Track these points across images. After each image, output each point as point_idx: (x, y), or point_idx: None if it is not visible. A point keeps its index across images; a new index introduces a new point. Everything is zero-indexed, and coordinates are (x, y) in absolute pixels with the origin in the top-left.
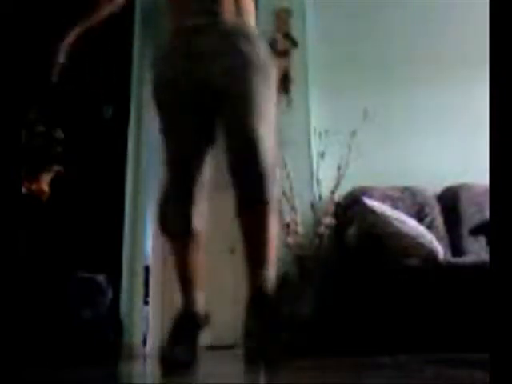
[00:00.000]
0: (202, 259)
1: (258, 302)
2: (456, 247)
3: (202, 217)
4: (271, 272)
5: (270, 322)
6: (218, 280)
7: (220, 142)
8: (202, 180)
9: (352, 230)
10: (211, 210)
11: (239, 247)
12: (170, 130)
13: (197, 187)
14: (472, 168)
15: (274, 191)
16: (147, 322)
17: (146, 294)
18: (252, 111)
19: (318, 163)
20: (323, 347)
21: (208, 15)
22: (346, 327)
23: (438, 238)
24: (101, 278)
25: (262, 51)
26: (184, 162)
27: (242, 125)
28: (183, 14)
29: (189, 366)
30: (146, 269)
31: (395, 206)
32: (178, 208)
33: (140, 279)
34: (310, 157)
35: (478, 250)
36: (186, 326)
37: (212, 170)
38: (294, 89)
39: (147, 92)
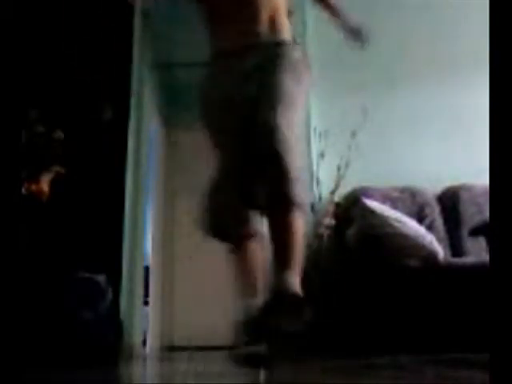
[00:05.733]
0: (264, 260)
1: (281, 300)
2: (456, 248)
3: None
4: (295, 274)
5: (291, 322)
6: (218, 280)
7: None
8: None
9: (352, 231)
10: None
11: None
12: (220, 140)
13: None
14: (472, 168)
15: (302, 192)
16: (147, 322)
17: (146, 294)
18: (280, 109)
19: (317, 163)
20: (324, 348)
21: (247, 37)
22: (347, 328)
23: (438, 239)
24: (100, 278)
25: (295, 56)
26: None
27: (268, 120)
28: (224, 37)
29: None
30: (146, 269)
31: (395, 207)
32: (232, 209)
33: (140, 279)
34: (309, 157)
35: (478, 251)
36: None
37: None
38: None
39: (147, 92)
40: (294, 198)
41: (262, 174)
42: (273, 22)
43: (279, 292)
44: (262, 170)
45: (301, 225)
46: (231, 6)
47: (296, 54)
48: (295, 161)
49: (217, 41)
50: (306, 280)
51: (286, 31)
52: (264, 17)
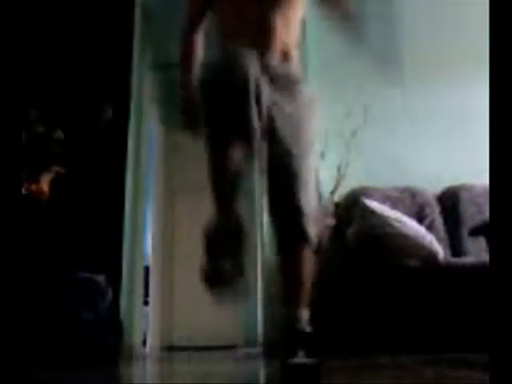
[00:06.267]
0: None
1: (290, 338)
2: (456, 248)
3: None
4: (304, 311)
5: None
6: None
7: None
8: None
9: (352, 231)
10: (211, 211)
11: None
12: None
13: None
14: (472, 168)
15: (314, 232)
16: (147, 322)
17: (146, 294)
18: (298, 157)
19: (318, 163)
20: (324, 348)
21: (258, 49)
22: (347, 328)
23: (438, 239)
24: (100, 278)
25: (306, 95)
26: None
27: (287, 167)
28: (234, 43)
29: (234, 278)
30: (146, 269)
31: (395, 207)
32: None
33: (140, 279)
34: None
35: (477, 251)
36: (225, 237)
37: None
38: None
39: (147, 92)
40: (309, 236)
41: (280, 213)
42: (285, 55)
43: (290, 329)
44: (281, 210)
45: (312, 262)
46: (246, 31)
47: (308, 93)
48: (312, 201)
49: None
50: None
51: (297, 66)
52: (278, 48)
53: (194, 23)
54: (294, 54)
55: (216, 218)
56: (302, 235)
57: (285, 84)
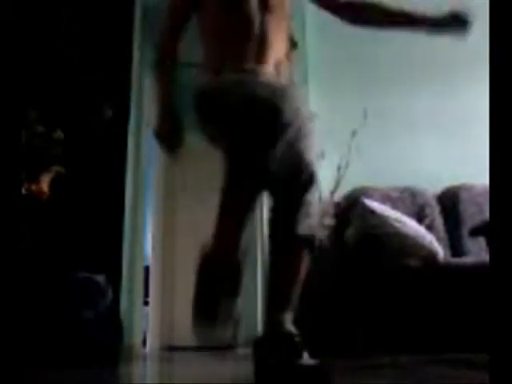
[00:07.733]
0: None
1: (279, 344)
2: (456, 248)
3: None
4: (290, 314)
5: (290, 367)
6: None
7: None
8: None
9: (352, 231)
10: (212, 211)
11: None
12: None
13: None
14: (472, 168)
15: (318, 236)
16: (147, 322)
17: (146, 294)
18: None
19: (318, 163)
20: (323, 348)
21: (252, 63)
22: (346, 328)
23: (438, 239)
24: (100, 278)
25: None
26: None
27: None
28: (226, 58)
29: (225, 321)
30: (146, 269)
31: (395, 207)
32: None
33: (140, 279)
34: None
35: (477, 251)
36: (222, 277)
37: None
38: None
39: (147, 92)
40: (315, 237)
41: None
42: (278, 66)
43: (277, 333)
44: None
45: (306, 267)
46: (240, 44)
47: (305, 107)
48: (317, 210)
49: (216, 60)
50: (306, 280)
51: (290, 76)
52: (272, 61)
53: (175, 27)
54: (286, 65)
55: (215, 248)
56: (307, 237)
57: (289, 97)
